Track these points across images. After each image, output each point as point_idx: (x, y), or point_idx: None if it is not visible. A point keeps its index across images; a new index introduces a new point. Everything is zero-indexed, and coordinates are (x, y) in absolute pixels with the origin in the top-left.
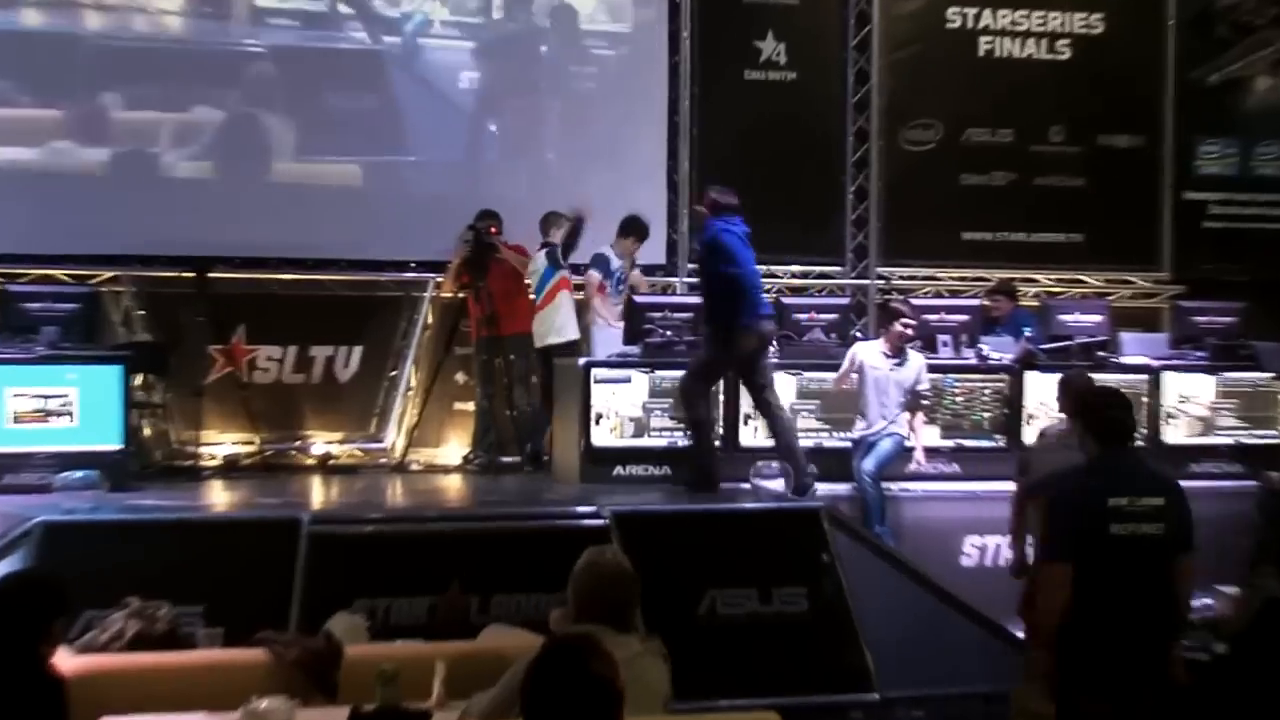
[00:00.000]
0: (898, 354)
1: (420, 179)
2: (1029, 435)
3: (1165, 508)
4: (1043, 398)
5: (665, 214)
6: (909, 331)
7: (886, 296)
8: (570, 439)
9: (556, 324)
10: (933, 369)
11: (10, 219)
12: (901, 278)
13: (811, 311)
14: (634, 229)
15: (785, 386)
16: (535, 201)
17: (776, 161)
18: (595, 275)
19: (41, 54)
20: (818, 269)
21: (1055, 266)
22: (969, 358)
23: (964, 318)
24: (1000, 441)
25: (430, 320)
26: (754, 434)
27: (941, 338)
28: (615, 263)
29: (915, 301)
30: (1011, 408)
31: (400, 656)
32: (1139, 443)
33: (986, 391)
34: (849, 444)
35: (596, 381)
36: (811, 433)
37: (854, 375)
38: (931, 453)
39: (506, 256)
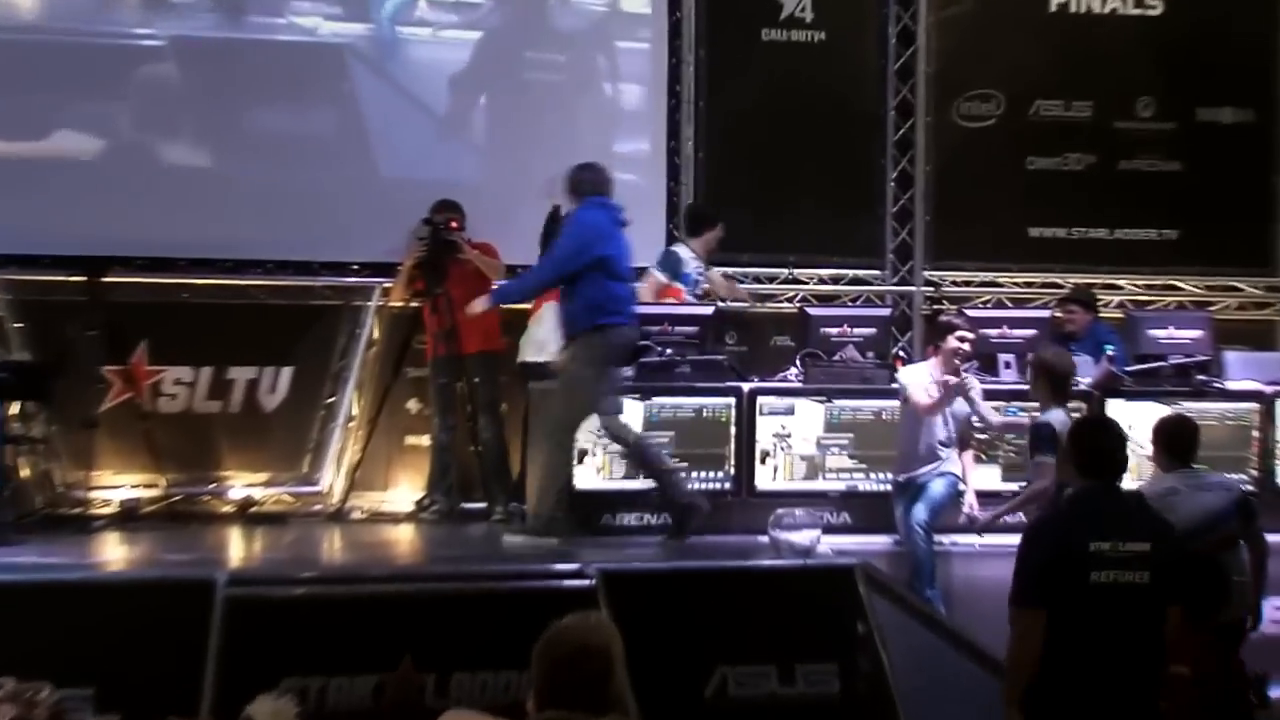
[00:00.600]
0: (948, 373)
1: (365, 164)
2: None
3: (1153, 554)
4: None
5: (664, 203)
6: (965, 348)
7: (936, 307)
8: (544, 481)
9: (538, 338)
10: (992, 396)
11: None
12: (954, 284)
13: (844, 325)
14: (706, 219)
15: (811, 415)
16: (506, 191)
17: (800, 141)
18: (659, 276)
19: None
20: (851, 273)
21: (1144, 270)
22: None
23: (1031, 333)
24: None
25: (376, 335)
26: (772, 476)
27: (1003, 358)
28: (691, 263)
29: (971, 313)
30: None
31: None
32: (1248, 485)
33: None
34: (887, 488)
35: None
36: (843, 473)
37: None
38: (987, 498)
39: (470, 257)
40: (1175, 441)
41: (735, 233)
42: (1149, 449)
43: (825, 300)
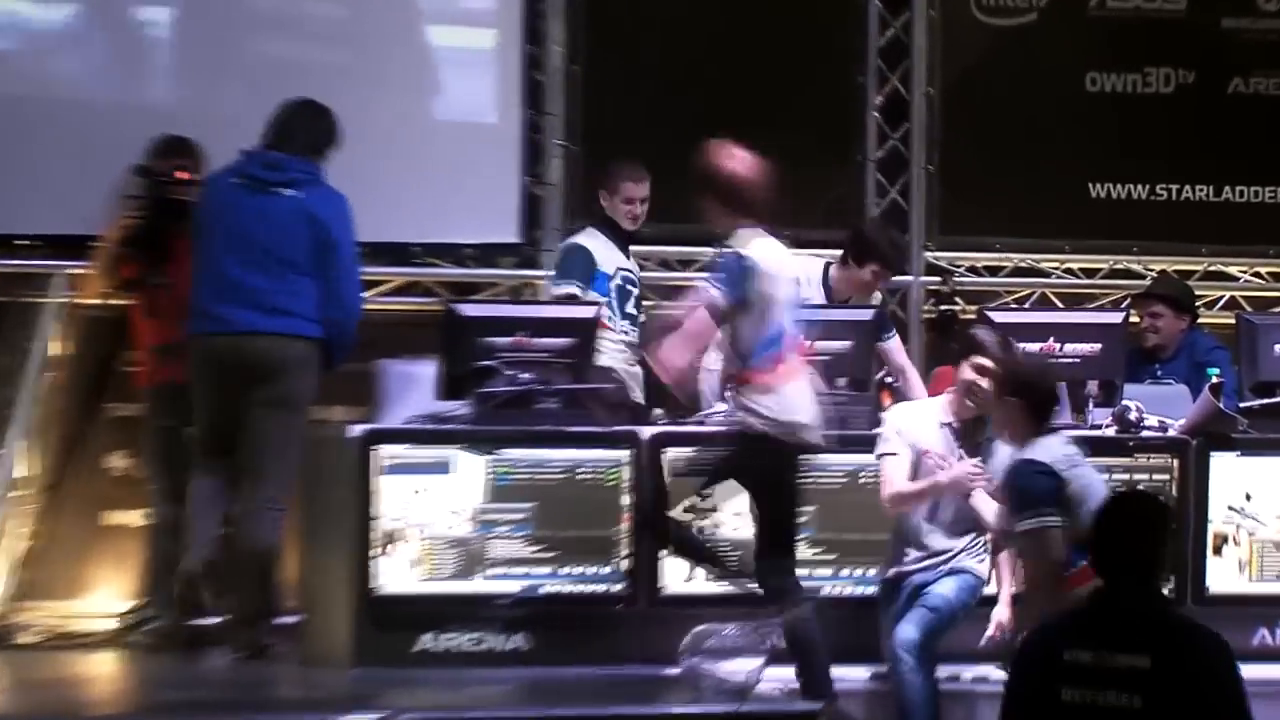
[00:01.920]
0: (968, 422)
1: (36, 83)
2: (1221, 576)
3: (1152, 674)
4: (1243, 499)
5: (519, 171)
6: (981, 384)
7: (945, 308)
8: (333, 581)
9: None
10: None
11: None
12: (972, 271)
13: (809, 339)
14: (870, 250)
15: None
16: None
17: (731, 58)
18: (566, 288)
19: None
20: (814, 253)
21: (1270, 251)
22: (1102, 425)
23: (1090, 349)
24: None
25: (60, 351)
26: (689, 572)
27: None
28: (812, 295)
29: (998, 317)
30: (1183, 519)
31: None
32: None
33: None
34: (871, 590)
35: (387, 470)
36: (800, 567)
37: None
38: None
39: None
40: (1046, 400)
41: None
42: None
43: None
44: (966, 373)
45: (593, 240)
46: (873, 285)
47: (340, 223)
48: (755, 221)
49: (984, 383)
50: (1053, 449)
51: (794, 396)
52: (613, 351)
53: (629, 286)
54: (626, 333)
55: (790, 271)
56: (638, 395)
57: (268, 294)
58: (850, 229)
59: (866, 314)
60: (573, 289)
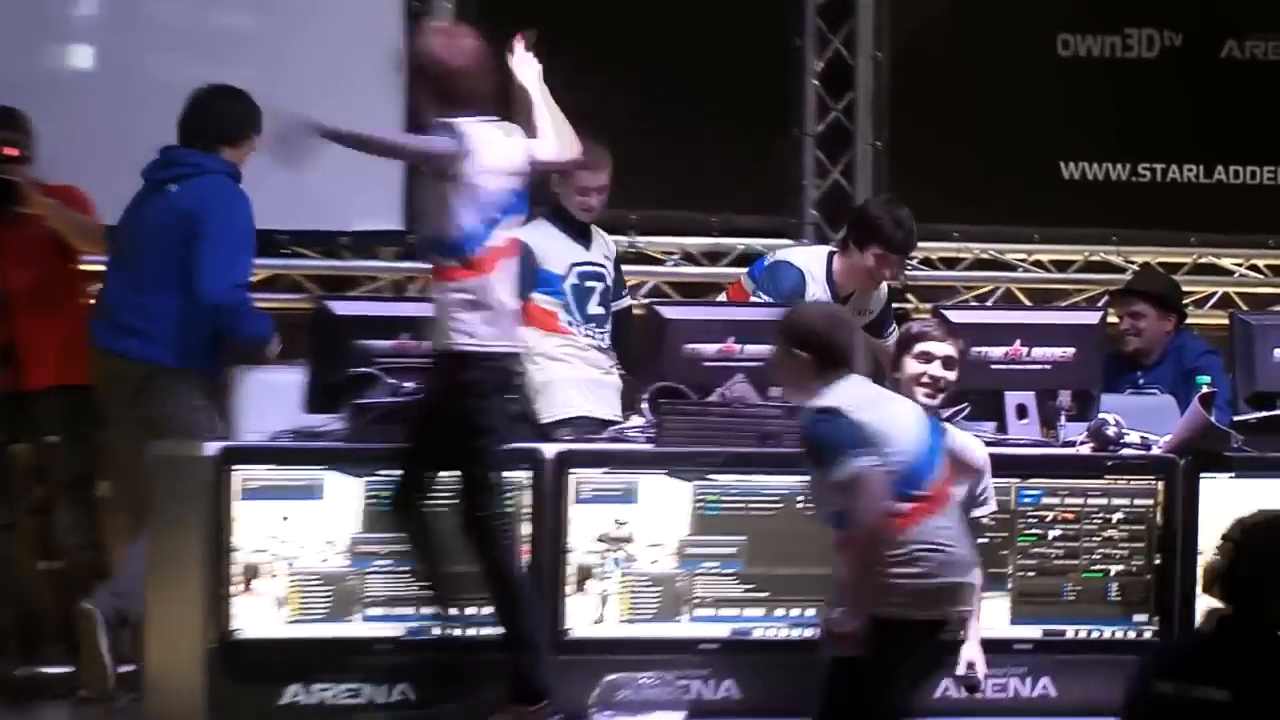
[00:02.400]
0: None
1: None
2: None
3: (1233, 708)
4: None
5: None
6: (931, 374)
7: (895, 305)
8: (183, 624)
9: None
10: (998, 468)
11: None
12: (924, 264)
13: (728, 338)
14: (871, 231)
15: (669, 502)
16: (118, 93)
17: (650, 17)
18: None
19: None
20: (742, 244)
21: (1269, 240)
22: (1075, 442)
23: (1063, 353)
24: (1145, 627)
25: None
26: (598, 614)
27: (1015, 398)
28: (817, 292)
29: (956, 316)
30: (1169, 550)
31: None
32: None
33: (1115, 517)
34: (812, 634)
35: (247, 494)
36: (726, 609)
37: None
38: (998, 650)
39: (38, 211)
40: (834, 350)
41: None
42: None
43: (695, 293)
44: (910, 368)
45: (538, 234)
46: (877, 273)
47: (213, 213)
48: (473, 112)
49: (935, 374)
50: (845, 392)
51: (507, 310)
52: (577, 359)
53: (591, 282)
54: (593, 335)
55: (511, 163)
56: (613, 408)
57: (123, 310)
58: (853, 208)
59: None
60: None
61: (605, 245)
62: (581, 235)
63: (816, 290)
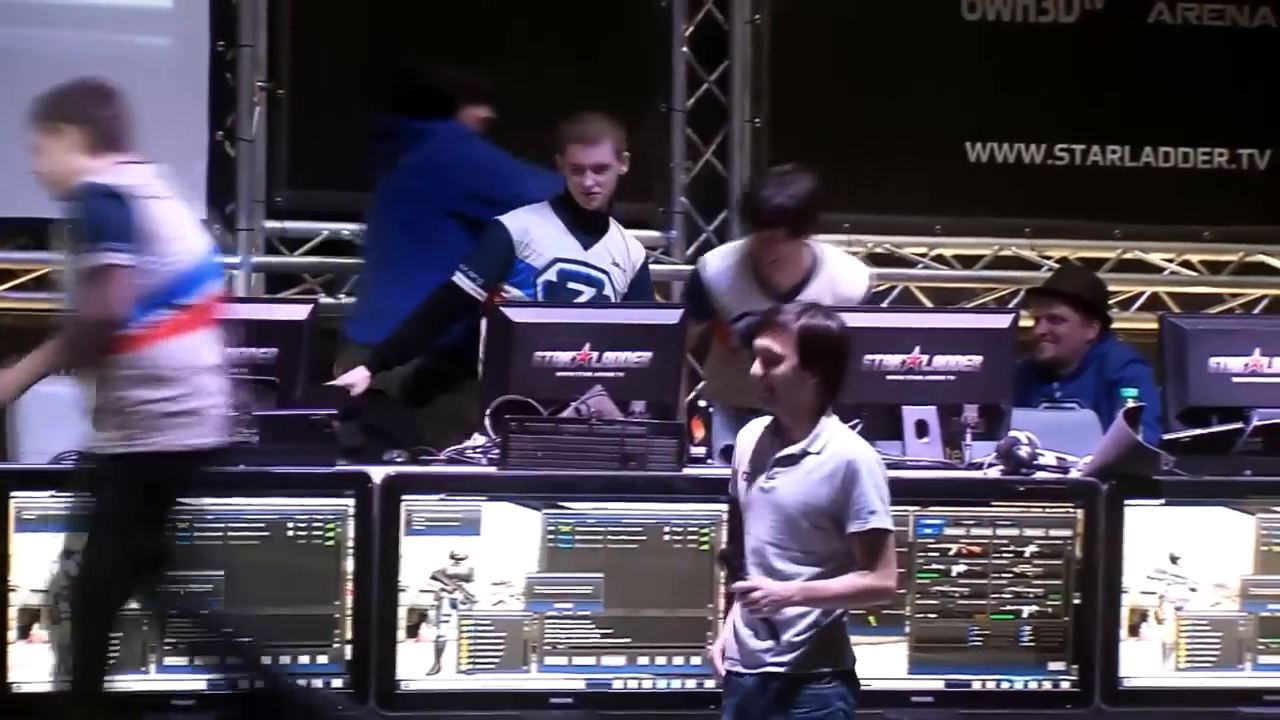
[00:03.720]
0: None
1: None
2: (1139, 664)
3: None
4: (1168, 561)
5: (205, 123)
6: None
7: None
8: None
9: None
10: (893, 494)
11: None
12: None
13: (585, 344)
14: (743, 207)
15: (516, 534)
16: None
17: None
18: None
19: None
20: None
21: (1204, 233)
22: (982, 464)
23: (969, 361)
24: (1062, 677)
25: None
26: (434, 663)
27: (913, 414)
28: (737, 285)
29: (848, 320)
30: (1089, 589)
31: None
32: None
33: (1028, 550)
34: (696, 686)
35: (27, 525)
36: (581, 658)
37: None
38: (895, 703)
39: None
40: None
41: (339, 155)
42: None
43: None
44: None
45: (533, 218)
46: (761, 254)
47: None
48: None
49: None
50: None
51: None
52: None
53: (576, 284)
54: None
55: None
56: None
57: None
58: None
59: (669, 315)
60: (463, 280)
61: (622, 250)
62: (588, 230)
63: (739, 286)
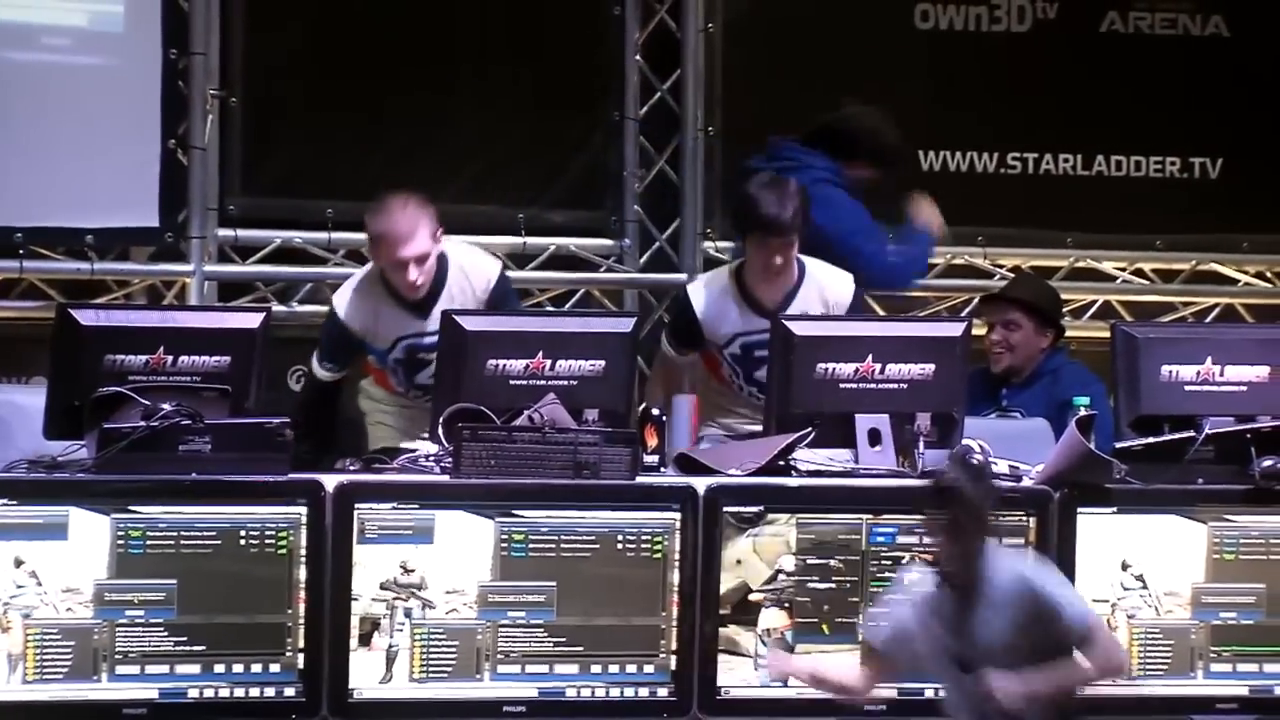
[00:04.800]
0: None
1: None
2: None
3: None
4: (1119, 569)
5: (157, 131)
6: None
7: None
8: None
9: None
10: (847, 502)
11: None
12: None
13: (538, 353)
14: (743, 213)
15: (469, 543)
16: None
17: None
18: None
19: None
20: (551, 244)
21: (1155, 241)
22: (933, 469)
23: (921, 370)
24: None
25: None
26: (384, 673)
27: (866, 422)
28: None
29: (799, 329)
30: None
31: None
32: None
33: None
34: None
35: None
36: (534, 666)
37: None
38: (849, 713)
39: None
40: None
41: (292, 163)
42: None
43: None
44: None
45: (369, 307)
46: (761, 263)
47: None
48: None
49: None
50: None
51: None
52: (394, 415)
53: (424, 354)
54: (414, 397)
55: None
56: None
57: None
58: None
59: (621, 324)
60: (321, 371)
61: (460, 295)
62: (417, 305)
63: (727, 310)
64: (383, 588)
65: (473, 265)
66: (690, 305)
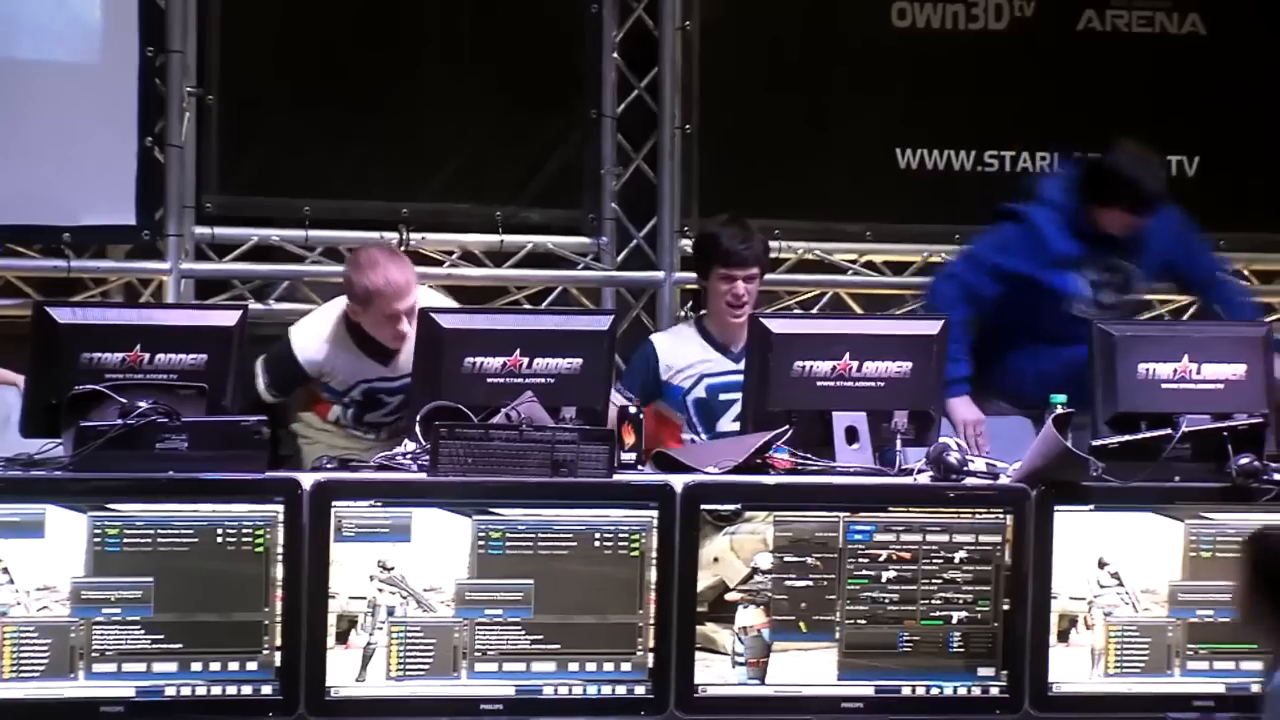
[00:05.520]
0: None
1: None
2: (1068, 669)
3: None
4: (1096, 567)
5: (134, 129)
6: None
7: (704, 312)
8: None
9: None
10: (823, 500)
11: None
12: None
13: (515, 351)
14: (705, 250)
15: (447, 540)
16: None
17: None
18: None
19: None
20: (529, 242)
21: None
22: (912, 470)
23: (899, 368)
24: (991, 683)
25: None
26: (359, 669)
27: (843, 420)
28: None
29: (776, 327)
30: (1019, 594)
31: None
32: None
33: (958, 556)
34: (618, 690)
35: None
36: (512, 664)
37: None
38: (825, 709)
39: None
40: None
41: (269, 161)
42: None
43: (477, 299)
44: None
45: (328, 348)
46: (726, 297)
47: None
48: None
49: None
50: None
51: None
52: (331, 437)
53: (384, 396)
54: (359, 435)
55: None
56: None
57: None
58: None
59: (599, 321)
60: (266, 395)
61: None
62: (379, 349)
63: (691, 357)
64: (367, 583)
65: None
66: (653, 355)
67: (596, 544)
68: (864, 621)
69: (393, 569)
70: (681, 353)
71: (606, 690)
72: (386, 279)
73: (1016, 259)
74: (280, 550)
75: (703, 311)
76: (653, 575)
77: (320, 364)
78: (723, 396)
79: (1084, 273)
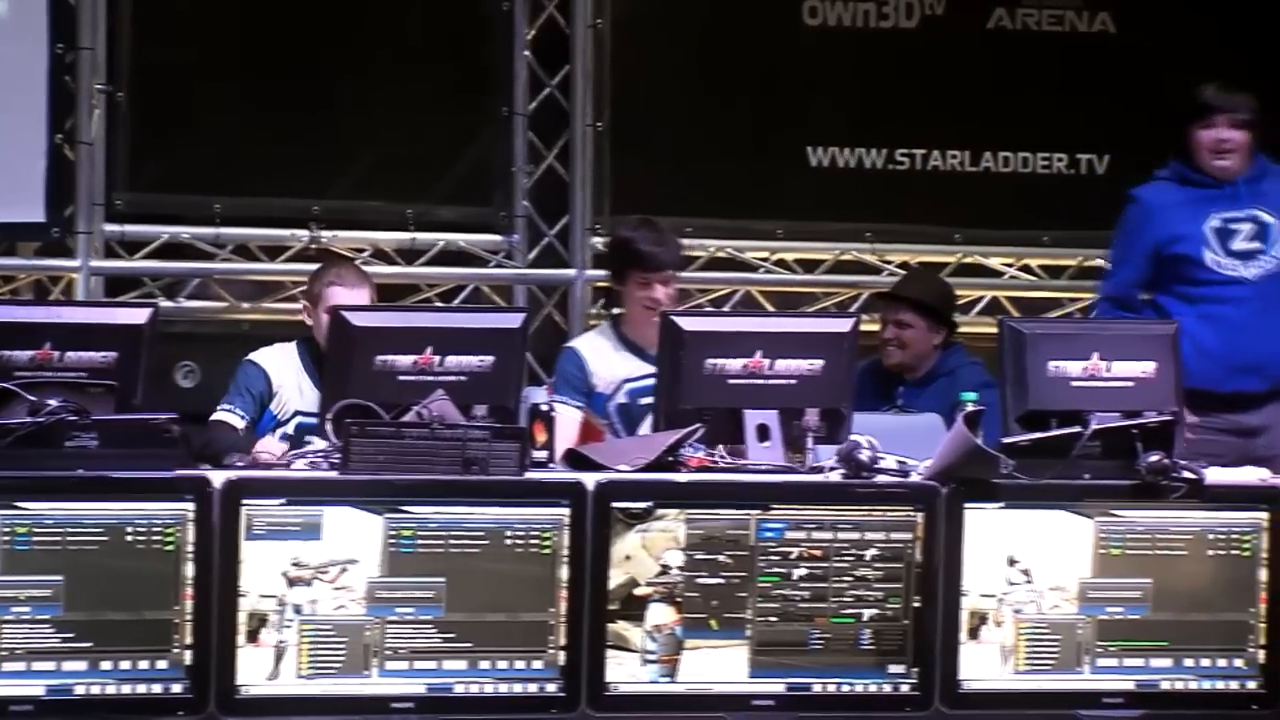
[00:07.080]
0: None
1: None
2: (978, 667)
3: None
4: (1006, 564)
5: (44, 126)
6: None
7: (617, 310)
8: None
9: None
10: (734, 498)
11: None
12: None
13: (426, 349)
14: (620, 254)
15: (359, 537)
16: None
17: None
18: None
19: None
20: (441, 239)
21: (1043, 237)
22: (824, 468)
23: (810, 365)
24: (902, 680)
25: None
26: (272, 668)
27: (755, 418)
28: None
29: (687, 324)
30: (929, 592)
31: None
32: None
33: (869, 554)
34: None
35: None
36: (423, 662)
37: None
38: (736, 707)
39: None
40: None
41: (179, 158)
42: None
43: (387, 296)
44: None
45: (281, 363)
46: (645, 303)
47: None
48: None
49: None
50: None
51: None
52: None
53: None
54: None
55: None
56: None
57: None
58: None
59: (510, 319)
60: (229, 416)
61: None
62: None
63: (612, 363)
64: (279, 580)
65: None
66: (577, 359)
67: (508, 542)
68: (775, 619)
69: (306, 563)
70: (603, 360)
71: (518, 688)
72: (339, 274)
73: (1135, 238)
74: (191, 549)
75: (616, 311)
76: (564, 573)
77: (276, 374)
78: (643, 401)
79: (1208, 225)
